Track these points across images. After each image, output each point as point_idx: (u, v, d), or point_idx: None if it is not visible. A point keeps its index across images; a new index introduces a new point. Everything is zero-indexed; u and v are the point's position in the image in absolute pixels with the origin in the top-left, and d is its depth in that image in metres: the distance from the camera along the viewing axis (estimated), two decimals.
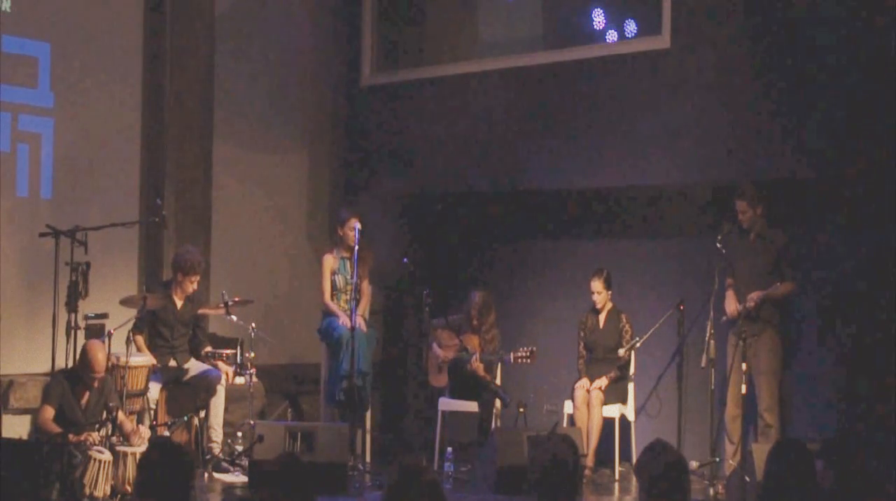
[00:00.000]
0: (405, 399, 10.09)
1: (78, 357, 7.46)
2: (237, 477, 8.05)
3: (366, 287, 8.95)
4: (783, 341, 8.22)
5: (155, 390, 8.17)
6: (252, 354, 8.64)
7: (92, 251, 8.01)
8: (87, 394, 7.39)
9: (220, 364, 8.38)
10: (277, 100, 10.19)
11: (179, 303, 8.42)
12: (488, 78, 9.66)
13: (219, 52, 9.58)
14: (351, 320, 8.48)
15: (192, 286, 8.36)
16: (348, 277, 8.80)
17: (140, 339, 8.23)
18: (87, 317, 8.12)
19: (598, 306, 8.80)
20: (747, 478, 7.31)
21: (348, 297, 8.78)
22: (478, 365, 8.71)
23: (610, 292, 8.78)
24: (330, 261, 8.90)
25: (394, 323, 10.42)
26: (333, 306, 8.86)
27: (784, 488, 4.55)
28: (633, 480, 8.17)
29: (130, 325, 8.04)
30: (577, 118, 9.16)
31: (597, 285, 8.75)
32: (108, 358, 7.86)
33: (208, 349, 8.53)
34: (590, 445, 8.43)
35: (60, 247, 7.89)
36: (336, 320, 8.75)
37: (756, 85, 8.25)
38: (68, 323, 7.78)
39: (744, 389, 7.96)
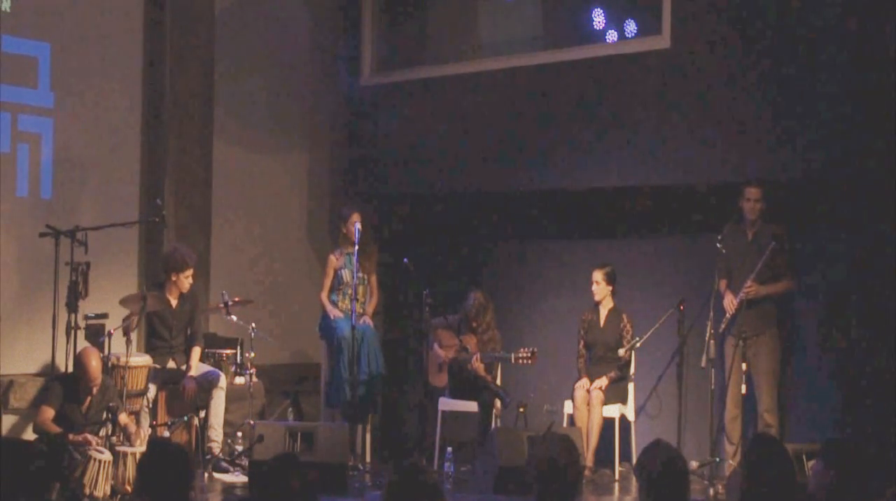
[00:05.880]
0: (405, 399, 10.09)
1: (73, 364, 7.45)
2: (237, 477, 8.05)
3: (374, 283, 9.01)
4: (783, 341, 8.23)
5: (152, 390, 8.16)
6: (252, 354, 8.66)
7: (92, 251, 8.01)
8: (88, 399, 7.38)
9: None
10: (277, 100, 10.19)
11: (175, 302, 8.40)
12: (488, 78, 9.66)
13: (219, 52, 9.57)
14: (352, 318, 8.53)
15: (187, 281, 8.35)
16: (354, 271, 8.86)
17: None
18: (87, 317, 8.12)
19: (596, 298, 8.79)
20: None
21: (352, 291, 8.82)
22: (478, 365, 8.71)
23: (611, 288, 8.78)
24: (333, 260, 9.02)
25: (394, 323, 10.42)
26: (326, 302, 8.94)
27: (764, 484, 4.58)
28: (633, 480, 8.16)
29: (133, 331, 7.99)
30: (577, 118, 9.15)
31: (597, 275, 8.75)
32: (110, 360, 7.89)
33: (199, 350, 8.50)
34: (590, 445, 8.43)
35: (60, 246, 7.89)
36: (340, 319, 8.79)
37: (756, 85, 8.25)
38: (68, 323, 7.78)
39: (744, 389, 7.97)
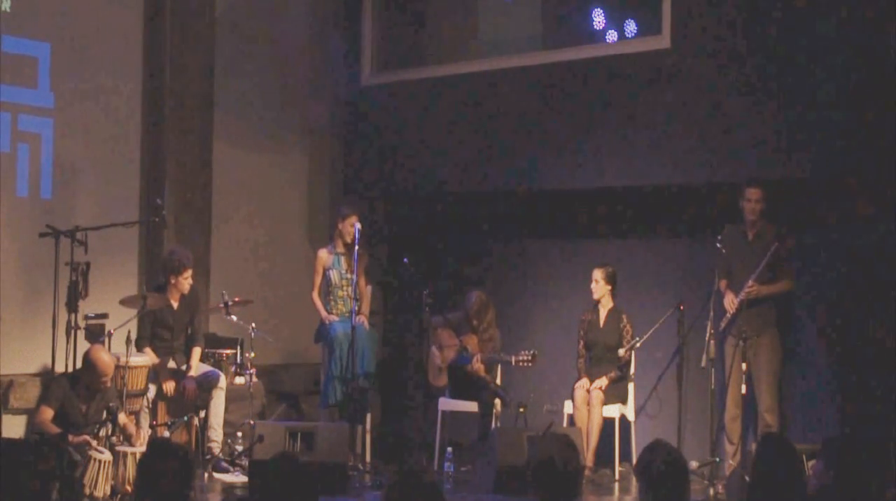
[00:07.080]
0: (405, 399, 10.09)
1: (81, 364, 7.42)
2: (237, 477, 8.05)
3: (363, 286, 8.98)
4: (783, 341, 8.22)
5: (152, 390, 8.16)
6: (252, 354, 8.66)
7: (92, 251, 8.01)
8: (95, 398, 7.36)
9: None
10: (277, 100, 10.19)
11: (176, 305, 8.41)
12: (488, 78, 9.66)
13: (219, 52, 9.57)
14: (351, 320, 8.52)
15: (187, 282, 8.36)
16: (343, 272, 8.84)
17: (150, 350, 8.24)
18: (87, 317, 8.12)
19: (594, 297, 8.79)
20: (747, 478, 7.31)
21: (344, 294, 8.80)
22: (479, 366, 8.71)
23: (610, 288, 8.78)
24: (323, 257, 8.95)
25: (394, 323, 10.42)
26: (319, 303, 8.93)
27: (772, 483, 4.57)
28: (633, 480, 8.16)
29: (133, 330, 7.98)
30: (577, 118, 9.15)
31: (597, 274, 8.76)
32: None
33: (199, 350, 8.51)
34: (590, 445, 8.43)
35: (60, 246, 7.89)
36: (335, 321, 8.78)
37: (756, 85, 8.25)
38: (68, 323, 7.78)
39: (744, 389, 7.97)
